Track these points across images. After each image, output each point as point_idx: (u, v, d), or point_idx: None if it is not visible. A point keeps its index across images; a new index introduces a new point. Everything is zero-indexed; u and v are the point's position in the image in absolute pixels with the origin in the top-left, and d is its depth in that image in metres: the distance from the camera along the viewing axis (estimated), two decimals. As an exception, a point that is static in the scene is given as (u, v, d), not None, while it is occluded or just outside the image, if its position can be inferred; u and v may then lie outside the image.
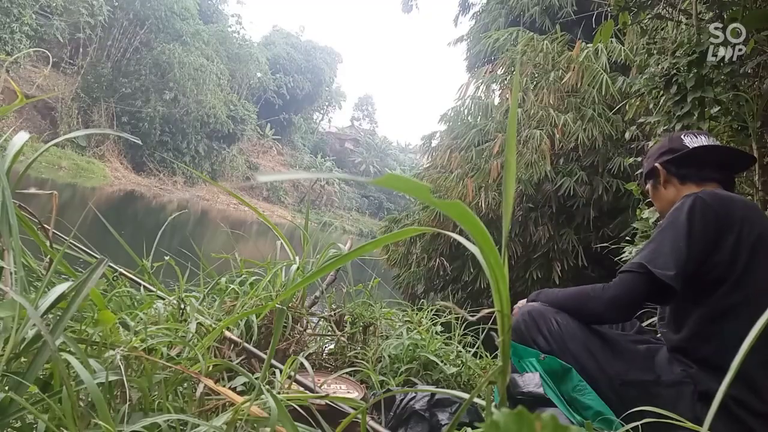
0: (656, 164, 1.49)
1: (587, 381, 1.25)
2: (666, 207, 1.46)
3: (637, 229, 3.09)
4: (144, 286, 1.43)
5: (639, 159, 4.14)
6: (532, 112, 6.43)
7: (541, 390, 1.17)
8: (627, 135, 4.59)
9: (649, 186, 1.55)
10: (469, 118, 7.63)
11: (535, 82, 6.79)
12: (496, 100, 7.69)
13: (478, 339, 1.97)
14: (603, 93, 6.20)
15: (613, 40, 5.92)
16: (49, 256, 1.00)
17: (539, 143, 6.08)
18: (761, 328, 0.42)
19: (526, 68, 6.73)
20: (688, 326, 1.26)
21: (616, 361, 1.28)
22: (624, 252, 3.31)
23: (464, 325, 1.98)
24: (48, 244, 1.03)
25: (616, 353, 1.30)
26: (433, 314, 2.12)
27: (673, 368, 1.24)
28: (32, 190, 1.11)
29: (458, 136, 7.49)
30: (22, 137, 0.91)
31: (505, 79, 7.34)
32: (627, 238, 3.51)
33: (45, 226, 1.09)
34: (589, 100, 6.37)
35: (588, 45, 6.43)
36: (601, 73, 6.13)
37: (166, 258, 1.56)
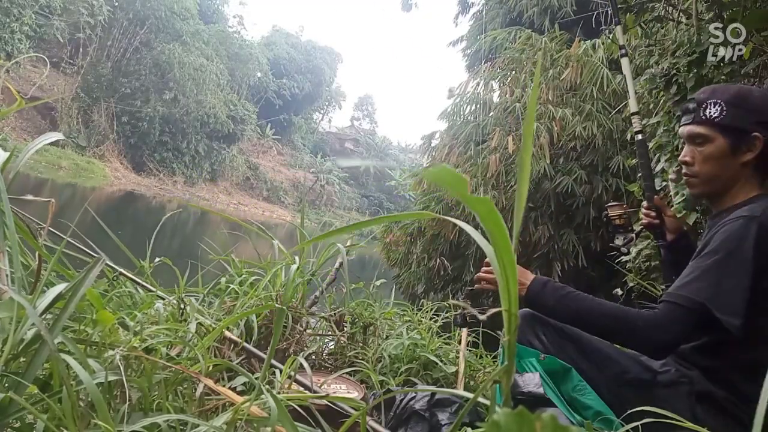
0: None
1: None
2: (715, 177, 1.25)
3: (637, 230, 3.09)
4: (143, 286, 1.42)
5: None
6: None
7: (541, 390, 1.17)
8: (627, 135, 4.59)
9: (721, 141, 1.22)
10: (469, 117, 7.63)
11: (534, 80, 6.78)
12: (495, 98, 7.70)
13: (479, 339, 1.98)
14: (603, 89, 6.20)
15: (612, 37, 5.93)
16: (39, 256, 1.00)
17: (538, 136, 6.08)
18: None
19: (525, 66, 6.73)
20: (693, 335, 1.25)
21: (614, 362, 1.27)
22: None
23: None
24: (41, 245, 1.02)
25: (612, 354, 1.29)
26: (434, 314, 2.12)
27: (669, 368, 1.24)
28: (29, 197, 1.11)
29: (457, 132, 7.49)
30: (2, 154, 0.91)
31: (505, 75, 7.35)
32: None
33: (40, 224, 1.09)
34: (588, 97, 6.37)
35: (587, 42, 6.44)
36: (600, 67, 6.12)
37: (159, 259, 1.56)
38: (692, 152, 1.29)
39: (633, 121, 1.86)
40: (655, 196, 1.59)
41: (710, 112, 1.24)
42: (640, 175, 1.83)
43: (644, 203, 1.59)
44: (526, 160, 0.45)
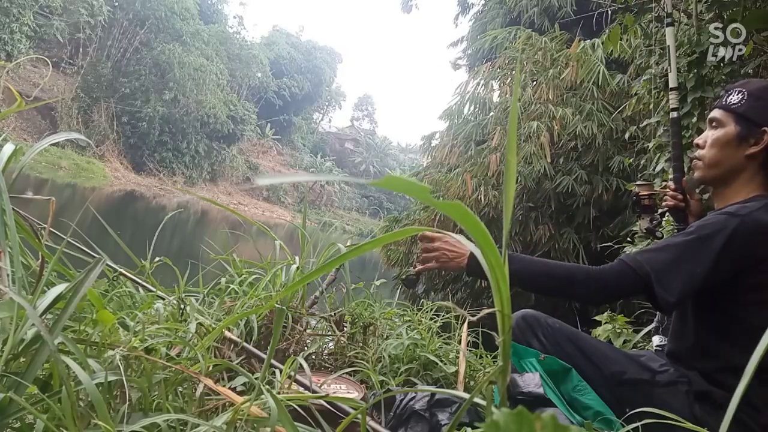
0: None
1: (584, 382, 1.25)
2: (717, 163, 1.25)
3: (636, 230, 3.09)
4: (143, 286, 1.42)
5: (640, 160, 4.13)
6: (531, 108, 6.44)
7: (541, 390, 1.17)
8: (627, 135, 4.59)
9: (732, 128, 1.23)
10: (470, 116, 7.64)
11: (534, 79, 6.80)
12: (495, 97, 7.70)
13: (479, 339, 1.97)
14: (602, 87, 6.20)
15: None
16: (42, 256, 1.00)
17: (538, 135, 6.09)
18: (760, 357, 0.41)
19: (525, 65, 6.74)
20: (687, 338, 1.26)
21: (612, 362, 1.27)
22: (624, 251, 3.31)
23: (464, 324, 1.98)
24: (43, 245, 1.02)
25: (611, 354, 1.30)
26: (434, 314, 2.12)
27: (668, 368, 1.24)
28: (29, 195, 1.11)
29: (457, 132, 7.49)
30: (9, 147, 0.91)
31: (505, 75, 7.35)
32: (628, 238, 3.52)
33: (40, 224, 1.09)
34: (588, 96, 6.38)
35: (587, 41, 6.44)
36: (598, 65, 6.13)
37: (158, 259, 1.56)
38: (705, 136, 1.30)
39: (670, 97, 1.74)
40: (683, 178, 1.56)
41: (731, 99, 1.25)
42: (669, 156, 1.75)
43: (671, 185, 1.56)
44: (512, 161, 0.44)
